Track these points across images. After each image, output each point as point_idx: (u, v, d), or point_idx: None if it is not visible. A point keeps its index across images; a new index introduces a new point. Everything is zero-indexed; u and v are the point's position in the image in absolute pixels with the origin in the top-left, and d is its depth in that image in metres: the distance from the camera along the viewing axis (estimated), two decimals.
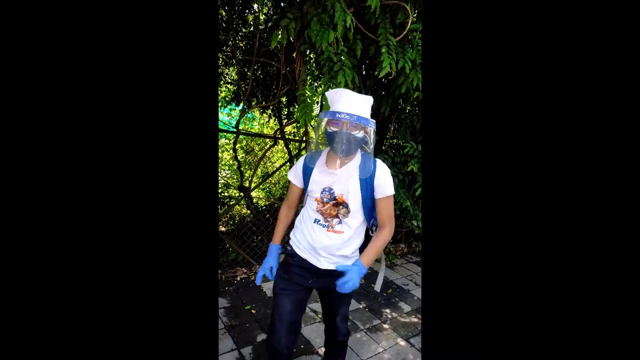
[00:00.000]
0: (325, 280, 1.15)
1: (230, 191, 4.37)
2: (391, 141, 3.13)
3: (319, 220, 1.11)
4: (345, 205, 1.07)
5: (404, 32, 1.86)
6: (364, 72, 2.67)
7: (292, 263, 1.16)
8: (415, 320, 2.20)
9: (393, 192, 1.10)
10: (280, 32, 1.93)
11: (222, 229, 3.63)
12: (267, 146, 4.19)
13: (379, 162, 1.09)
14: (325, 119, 1.03)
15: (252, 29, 3.27)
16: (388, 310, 2.28)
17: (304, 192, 1.17)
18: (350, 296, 1.24)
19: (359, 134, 1.00)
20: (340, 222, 1.09)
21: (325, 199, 1.08)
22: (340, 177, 1.06)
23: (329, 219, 1.09)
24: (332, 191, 1.07)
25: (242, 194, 3.28)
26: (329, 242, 1.09)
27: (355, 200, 1.06)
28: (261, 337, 1.83)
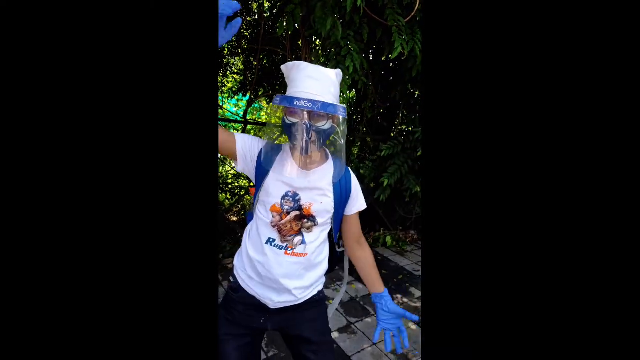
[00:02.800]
0: (284, 318, 0.86)
1: (241, 181, 4.40)
2: (400, 127, 3.08)
3: (274, 241, 0.80)
4: (311, 218, 0.79)
5: (412, 13, 1.80)
6: (371, 57, 2.62)
7: (236, 299, 0.86)
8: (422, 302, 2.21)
9: (364, 206, 0.88)
10: (285, 19, 1.90)
11: (234, 218, 3.68)
12: (275, 136, 4.18)
13: (349, 170, 0.87)
14: (281, 107, 0.76)
15: (256, 17, 3.23)
16: (399, 296, 2.30)
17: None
18: (331, 341, 0.92)
19: (326, 125, 0.74)
20: (303, 242, 0.80)
21: (286, 207, 0.78)
22: (311, 180, 0.79)
23: (289, 238, 0.79)
24: (297, 197, 0.78)
25: (251, 183, 3.30)
26: (288, 270, 0.80)
27: (325, 213, 0.81)
28: None
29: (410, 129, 2.74)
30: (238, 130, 4.42)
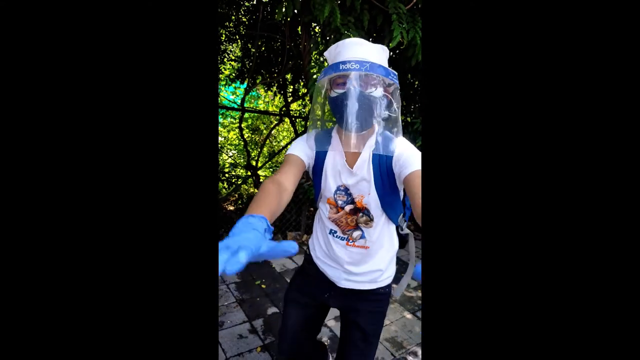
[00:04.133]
0: (346, 300, 0.88)
1: (238, 170, 4.39)
2: None
3: (335, 232, 0.83)
4: (366, 212, 0.78)
5: (415, 0, 1.76)
6: None
7: (308, 271, 0.92)
8: (421, 294, 2.24)
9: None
10: (284, 4, 1.85)
11: (231, 208, 3.68)
12: (273, 125, 4.16)
13: (398, 137, 0.75)
14: (327, 80, 0.70)
15: (255, 1, 3.15)
16: (394, 285, 2.32)
17: (303, 172, 0.79)
18: (379, 336, 0.91)
19: (376, 91, 0.67)
20: (363, 236, 0.80)
21: (340, 202, 0.79)
22: (356, 173, 0.76)
23: (347, 231, 0.81)
24: (349, 192, 0.78)
25: (249, 172, 3.29)
26: (352, 258, 0.83)
27: (376, 203, 0.77)
28: (271, 310, 1.89)
29: (409, 119, 2.72)
30: (235, 118, 4.38)
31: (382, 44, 2.19)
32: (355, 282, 0.85)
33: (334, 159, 0.78)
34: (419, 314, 1.99)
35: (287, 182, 0.68)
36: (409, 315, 1.99)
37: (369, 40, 0.74)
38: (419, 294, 2.24)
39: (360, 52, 0.67)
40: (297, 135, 3.46)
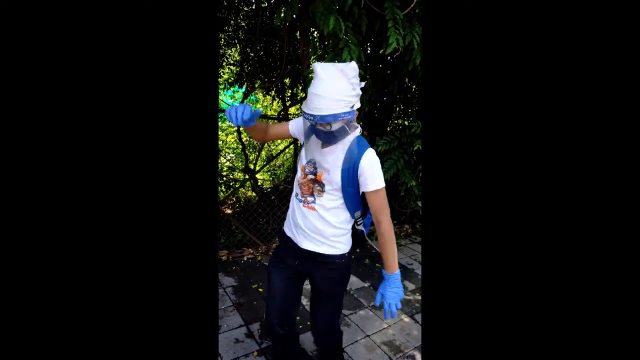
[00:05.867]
0: (309, 265, 1.13)
1: (236, 174, 4.38)
2: (397, 121, 3.08)
3: (298, 194, 1.11)
4: (321, 184, 1.04)
5: (412, 5, 1.79)
6: (369, 50, 2.60)
7: (281, 245, 1.20)
8: (419, 297, 2.24)
9: (380, 187, 1.00)
10: (283, 9, 1.87)
11: (229, 211, 3.67)
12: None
13: (368, 152, 1.00)
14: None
15: (254, 6, 3.18)
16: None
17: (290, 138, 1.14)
18: (340, 294, 1.19)
19: (332, 127, 0.93)
20: (314, 201, 1.07)
21: (307, 171, 1.07)
22: (325, 157, 1.03)
23: (305, 195, 1.08)
24: (315, 165, 1.05)
25: (247, 176, 3.29)
26: (304, 218, 1.09)
27: (331, 184, 1.03)
28: None
29: (407, 123, 2.74)
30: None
31: (380, 48, 2.21)
32: (310, 241, 1.09)
33: (311, 140, 1.04)
34: (416, 317, 1.99)
35: (273, 128, 1.15)
36: (406, 319, 1.98)
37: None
38: (417, 297, 2.23)
39: (316, 102, 0.89)
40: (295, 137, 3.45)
